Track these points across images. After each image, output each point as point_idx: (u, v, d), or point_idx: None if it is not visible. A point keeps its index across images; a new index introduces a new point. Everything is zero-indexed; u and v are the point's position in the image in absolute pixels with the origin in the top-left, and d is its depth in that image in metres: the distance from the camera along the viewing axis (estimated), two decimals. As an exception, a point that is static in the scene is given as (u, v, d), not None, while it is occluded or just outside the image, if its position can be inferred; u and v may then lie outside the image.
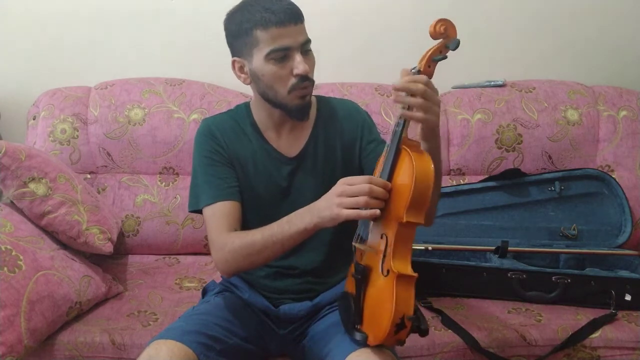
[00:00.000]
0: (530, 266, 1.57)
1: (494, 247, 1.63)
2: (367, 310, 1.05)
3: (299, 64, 1.11)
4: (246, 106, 1.27)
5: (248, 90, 1.84)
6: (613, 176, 1.80)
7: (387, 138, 1.06)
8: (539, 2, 2.00)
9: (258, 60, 1.13)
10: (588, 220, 1.76)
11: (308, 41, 1.14)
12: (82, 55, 1.96)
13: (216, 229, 1.15)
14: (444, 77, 1.98)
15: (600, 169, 1.84)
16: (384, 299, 0.99)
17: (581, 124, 1.86)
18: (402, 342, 1.00)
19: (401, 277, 0.98)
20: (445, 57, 1.04)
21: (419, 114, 0.98)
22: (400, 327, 0.97)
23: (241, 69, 1.18)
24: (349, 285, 1.12)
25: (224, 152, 1.22)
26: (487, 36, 2.00)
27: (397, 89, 0.99)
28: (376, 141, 1.26)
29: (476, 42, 1.98)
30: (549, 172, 1.80)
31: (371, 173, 1.23)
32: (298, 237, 1.08)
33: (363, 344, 1.02)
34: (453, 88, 2.00)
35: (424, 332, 0.99)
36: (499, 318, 1.43)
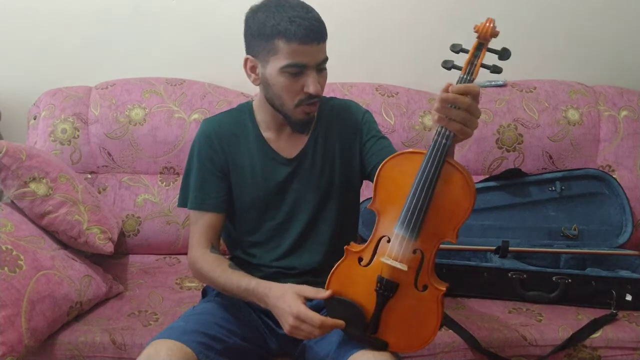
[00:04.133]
0: (530, 266, 1.57)
1: (494, 247, 1.64)
2: (391, 320, 1.04)
3: (311, 83, 1.11)
4: (249, 106, 1.27)
5: (249, 90, 1.86)
6: (614, 176, 1.80)
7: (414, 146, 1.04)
8: (539, 2, 2.00)
9: (272, 69, 1.11)
10: (589, 220, 1.76)
11: (325, 60, 1.14)
12: (83, 55, 1.96)
13: (195, 241, 1.24)
14: (445, 78, 2.00)
15: (601, 168, 1.84)
16: (424, 313, 1.01)
17: (582, 124, 1.86)
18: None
19: (443, 294, 1.00)
20: (499, 70, 0.97)
21: (457, 126, 0.93)
22: None
23: (253, 68, 1.17)
24: (338, 287, 1.08)
25: (219, 159, 1.23)
26: (487, 36, 2.00)
27: (445, 100, 0.92)
28: (376, 136, 1.26)
29: (477, 42, 1.98)
30: (549, 172, 1.80)
31: (373, 168, 1.22)
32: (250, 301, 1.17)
33: (383, 350, 1.04)
34: (454, 88, 1.99)
35: (441, 327, 1.06)
36: (499, 318, 1.43)
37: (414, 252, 1.01)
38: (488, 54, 0.97)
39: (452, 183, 0.98)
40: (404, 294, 1.02)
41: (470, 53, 0.97)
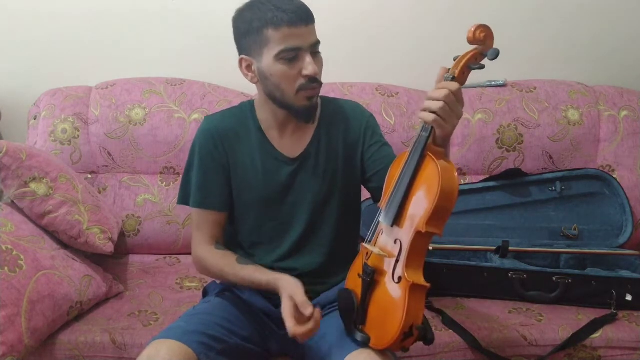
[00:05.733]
0: (531, 266, 1.57)
1: (494, 247, 1.64)
2: (372, 312, 1.04)
3: (308, 65, 1.11)
4: (250, 104, 1.27)
5: (249, 90, 1.86)
6: (614, 176, 1.80)
7: (407, 142, 1.06)
8: (539, 1, 2.00)
9: (267, 60, 1.12)
10: (589, 220, 1.76)
11: (318, 42, 1.14)
12: (83, 55, 1.96)
13: (199, 238, 1.25)
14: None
15: (601, 169, 1.84)
16: (394, 306, 0.99)
17: (582, 124, 1.86)
18: (406, 350, 1.01)
19: (414, 287, 0.97)
20: (483, 67, 1.02)
21: (431, 117, 0.98)
22: (407, 336, 0.97)
23: (249, 67, 1.17)
24: (352, 283, 1.12)
25: (220, 157, 1.23)
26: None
27: (427, 99, 0.99)
28: (379, 143, 1.26)
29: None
30: (549, 172, 1.80)
31: (373, 174, 1.24)
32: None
33: (364, 345, 1.02)
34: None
35: (429, 342, 0.99)
36: (499, 318, 1.43)
37: (395, 242, 1.02)
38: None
39: (426, 174, 1.00)
40: (384, 286, 1.02)
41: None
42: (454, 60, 1.03)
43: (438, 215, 0.97)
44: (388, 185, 1.09)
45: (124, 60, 1.98)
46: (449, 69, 1.02)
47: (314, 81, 1.13)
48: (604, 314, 1.43)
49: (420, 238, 0.99)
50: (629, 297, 1.46)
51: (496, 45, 1.01)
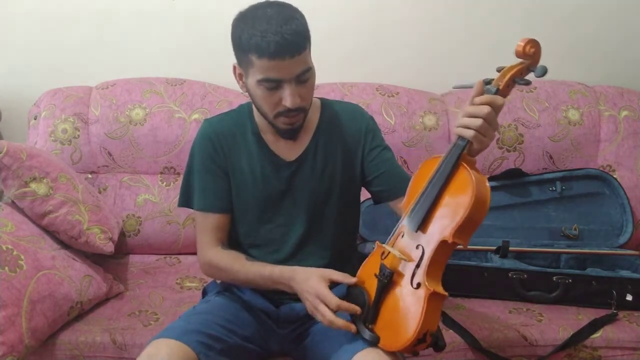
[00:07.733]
0: (531, 266, 1.57)
1: (495, 247, 1.63)
2: (384, 314, 1.03)
3: (287, 97, 1.08)
4: (249, 107, 1.26)
5: (249, 90, 1.86)
6: (614, 176, 1.80)
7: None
8: (539, 1, 2.00)
9: (251, 80, 1.10)
10: (589, 220, 1.76)
11: (306, 70, 1.09)
12: (83, 55, 1.96)
13: (206, 241, 1.24)
14: (445, 78, 2.00)
15: (601, 169, 1.84)
16: (411, 311, 0.98)
17: (582, 124, 1.86)
18: (416, 354, 1.00)
19: (434, 295, 0.97)
20: (529, 83, 0.99)
21: (470, 133, 0.95)
22: (420, 341, 0.97)
23: (240, 75, 1.16)
24: (363, 280, 1.09)
25: (220, 159, 1.23)
26: (487, 36, 2.00)
27: (468, 115, 0.96)
28: (380, 147, 1.25)
29: (477, 42, 1.98)
30: (550, 172, 1.80)
31: (374, 178, 1.24)
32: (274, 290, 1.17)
33: (373, 344, 1.02)
34: (454, 88, 1.97)
35: (440, 348, 0.99)
36: (500, 318, 1.43)
37: (417, 247, 1.01)
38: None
39: (459, 183, 0.98)
40: (400, 289, 1.01)
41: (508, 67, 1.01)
42: (497, 71, 1.00)
43: (467, 226, 0.96)
44: (414, 190, 1.06)
45: (124, 60, 1.98)
46: (490, 80, 0.99)
47: (293, 110, 1.11)
48: (604, 314, 1.43)
49: (444, 247, 0.98)
50: (629, 297, 1.46)
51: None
